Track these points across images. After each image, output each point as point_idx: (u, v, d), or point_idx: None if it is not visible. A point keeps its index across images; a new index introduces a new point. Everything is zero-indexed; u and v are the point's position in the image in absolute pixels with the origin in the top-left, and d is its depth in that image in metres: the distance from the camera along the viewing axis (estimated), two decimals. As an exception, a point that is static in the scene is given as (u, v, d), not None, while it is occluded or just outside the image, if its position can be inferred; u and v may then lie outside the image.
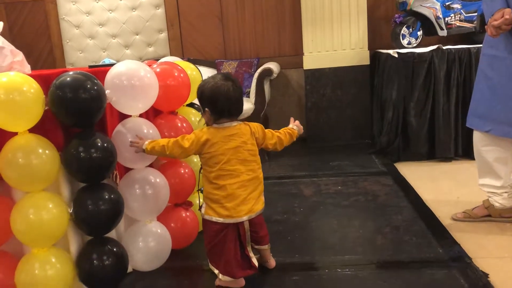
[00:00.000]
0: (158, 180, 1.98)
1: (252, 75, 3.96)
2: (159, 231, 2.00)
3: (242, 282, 1.81)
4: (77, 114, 1.69)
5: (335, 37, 3.95)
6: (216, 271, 1.80)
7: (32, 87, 1.63)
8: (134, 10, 4.35)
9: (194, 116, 2.26)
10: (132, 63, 1.87)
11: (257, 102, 3.70)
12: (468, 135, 3.43)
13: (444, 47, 3.44)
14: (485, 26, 2.12)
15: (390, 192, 2.75)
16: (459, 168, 3.24)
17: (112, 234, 1.89)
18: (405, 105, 3.51)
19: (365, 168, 3.28)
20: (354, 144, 3.94)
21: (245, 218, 1.75)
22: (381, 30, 4.14)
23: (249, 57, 4.29)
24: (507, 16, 1.98)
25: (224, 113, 1.77)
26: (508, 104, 2.12)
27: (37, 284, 1.70)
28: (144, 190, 1.92)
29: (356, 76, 3.99)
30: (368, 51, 3.96)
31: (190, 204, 2.19)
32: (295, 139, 1.95)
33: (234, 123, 1.78)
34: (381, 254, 2.02)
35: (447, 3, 3.66)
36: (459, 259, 1.90)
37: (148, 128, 1.91)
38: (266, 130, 1.87)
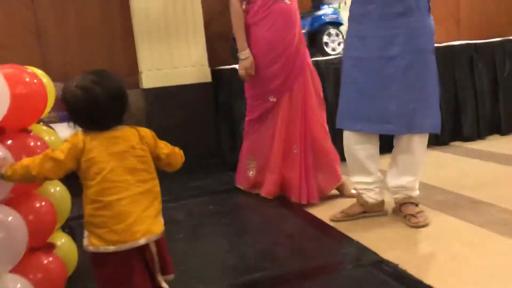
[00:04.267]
0: (10, 218, 1.48)
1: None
2: (19, 286, 1.49)
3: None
4: None
5: (174, 54, 3.77)
6: None
7: None
8: None
9: (48, 135, 1.80)
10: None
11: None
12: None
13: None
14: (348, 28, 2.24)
15: (268, 204, 2.65)
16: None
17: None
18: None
19: (228, 184, 3.12)
20: (206, 163, 3.77)
21: (142, 241, 1.38)
22: (217, 47, 4.10)
23: (77, 78, 3.79)
24: None
25: (95, 127, 1.40)
26: (374, 102, 2.22)
27: None
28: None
29: (199, 94, 3.86)
30: (209, 68, 3.88)
31: (52, 246, 1.72)
32: (180, 162, 1.58)
33: (117, 127, 1.43)
34: (289, 265, 1.89)
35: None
36: (367, 256, 1.88)
37: (-3, 151, 1.42)
38: (158, 140, 1.56)
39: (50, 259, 1.69)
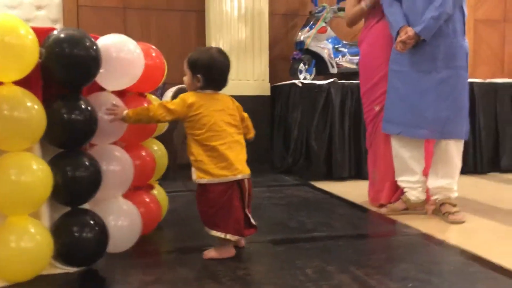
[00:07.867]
0: (123, 155, 1.90)
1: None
2: (129, 208, 1.88)
3: (233, 251, 1.82)
4: (74, 71, 1.59)
5: (240, 68, 4.23)
6: (222, 235, 1.78)
7: (30, 33, 1.50)
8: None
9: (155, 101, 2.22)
10: (118, 36, 1.85)
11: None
12: (359, 157, 3.93)
13: (339, 81, 3.95)
14: (394, 44, 2.58)
15: (314, 196, 2.99)
16: (356, 185, 3.57)
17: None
18: (307, 129, 3.88)
19: (281, 182, 3.47)
20: (258, 168, 4.12)
21: (239, 176, 1.80)
22: (278, 66, 4.55)
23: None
24: (410, 34, 2.46)
25: (213, 83, 1.86)
26: (414, 110, 2.56)
27: (13, 260, 1.47)
28: (111, 165, 1.82)
29: (258, 105, 4.28)
30: (269, 83, 4.32)
31: (151, 186, 2.12)
32: (252, 129, 2.05)
33: (218, 92, 1.89)
34: (343, 230, 2.22)
35: (336, 46, 4.25)
36: (409, 230, 2.20)
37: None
38: None
39: (150, 197, 2.09)
